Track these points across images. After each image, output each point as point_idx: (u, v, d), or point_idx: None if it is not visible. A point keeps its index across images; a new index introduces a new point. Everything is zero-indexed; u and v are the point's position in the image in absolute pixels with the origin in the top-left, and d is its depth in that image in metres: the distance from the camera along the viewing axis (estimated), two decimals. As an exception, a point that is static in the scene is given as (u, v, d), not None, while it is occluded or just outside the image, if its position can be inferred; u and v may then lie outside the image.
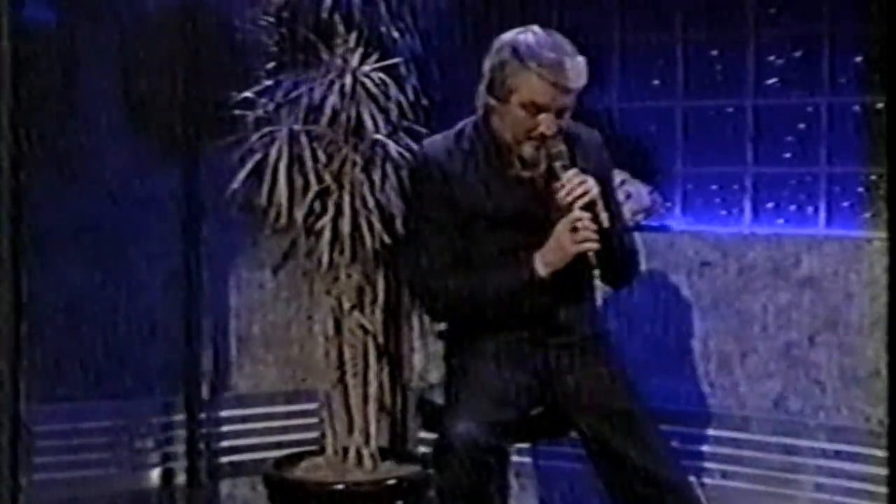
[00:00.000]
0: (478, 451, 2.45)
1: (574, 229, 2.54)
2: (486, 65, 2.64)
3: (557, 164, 2.58)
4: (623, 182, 3.33)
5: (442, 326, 2.92)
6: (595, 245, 2.53)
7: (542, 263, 2.59)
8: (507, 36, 2.62)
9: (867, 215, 3.22)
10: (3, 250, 1.86)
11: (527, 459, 3.46)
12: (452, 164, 2.67)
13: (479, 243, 2.66)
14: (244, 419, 3.67)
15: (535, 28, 2.61)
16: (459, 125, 2.75)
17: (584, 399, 2.65)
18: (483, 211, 2.66)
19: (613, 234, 2.62)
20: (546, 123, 2.57)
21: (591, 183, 2.57)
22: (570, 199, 2.54)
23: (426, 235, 2.69)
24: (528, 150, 2.61)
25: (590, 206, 2.56)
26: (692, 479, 3.22)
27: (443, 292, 2.67)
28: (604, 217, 2.56)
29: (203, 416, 3.58)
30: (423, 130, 3.23)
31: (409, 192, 2.89)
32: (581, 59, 2.57)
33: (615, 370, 2.72)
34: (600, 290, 2.87)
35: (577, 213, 2.54)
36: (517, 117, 2.59)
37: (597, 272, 2.67)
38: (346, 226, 3.25)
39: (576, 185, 2.54)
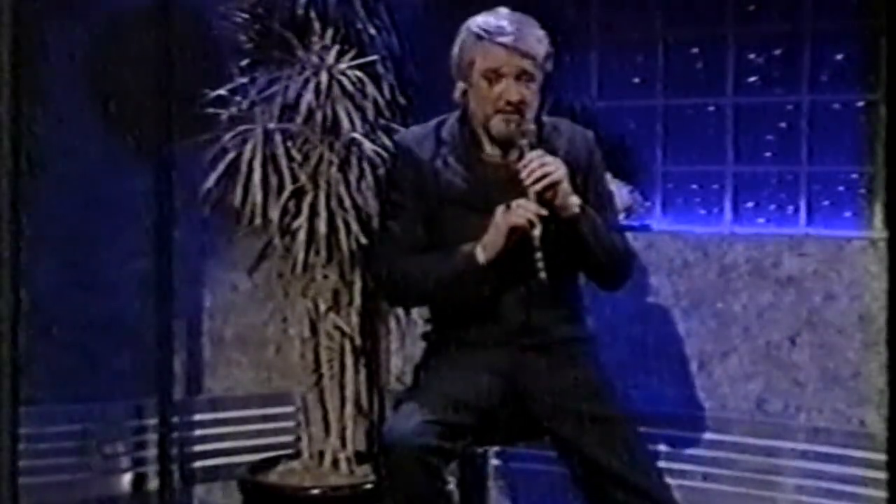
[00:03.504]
0: (416, 451, 2.44)
1: (508, 207, 2.52)
2: (452, 51, 2.69)
3: (524, 142, 2.57)
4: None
5: (427, 328, 2.90)
6: (529, 222, 2.48)
7: (482, 249, 2.57)
8: (469, 20, 2.67)
9: (849, 214, 3.21)
10: (3, 255, 1.84)
11: (507, 462, 3.44)
12: (423, 151, 2.69)
13: (452, 228, 2.65)
14: (218, 423, 3.64)
15: (500, 9, 2.66)
16: (443, 117, 2.75)
17: (556, 404, 2.62)
18: (453, 196, 2.66)
19: (597, 231, 2.59)
20: (508, 89, 2.58)
21: (556, 166, 2.54)
22: (529, 179, 2.51)
23: (389, 220, 2.75)
24: (497, 124, 2.62)
25: (551, 190, 2.52)
26: (670, 482, 3.23)
27: (396, 276, 2.71)
28: (572, 202, 2.54)
29: (176, 419, 3.56)
30: (400, 129, 3.20)
31: (383, 180, 2.95)
32: (538, 31, 2.61)
33: (591, 374, 2.69)
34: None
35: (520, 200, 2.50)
36: (481, 90, 2.61)
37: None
38: (321, 226, 3.22)
39: (536, 165, 2.52)
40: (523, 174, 2.52)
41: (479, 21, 2.63)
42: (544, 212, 2.50)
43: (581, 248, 2.59)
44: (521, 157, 2.56)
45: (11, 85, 1.85)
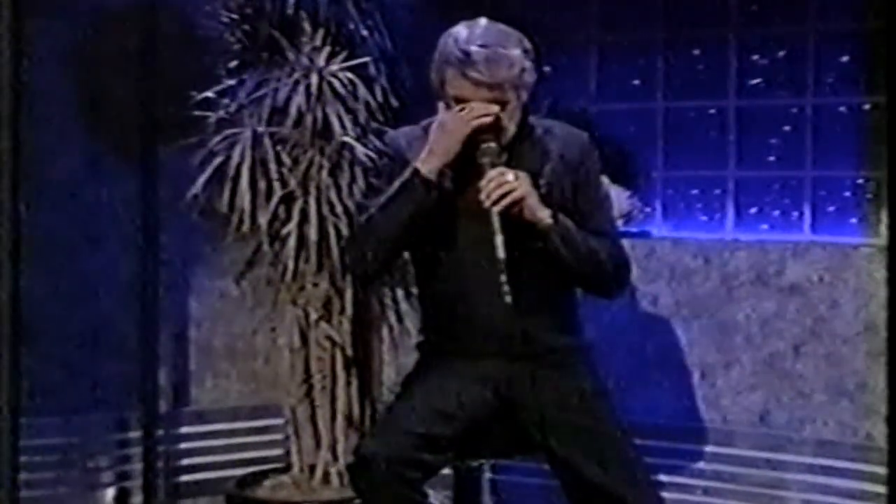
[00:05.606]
0: (391, 463, 2.42)
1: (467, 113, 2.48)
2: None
3: (485, 161, 2.52)
4: (601, 186, 3.31)
5: (420, 337, 2.85)
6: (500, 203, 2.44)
7: (424, 160, 2.51)
8: (449, 30, 2.60)
9: (854, 220, 3.21)
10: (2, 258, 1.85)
11: (503, 476, 3.39)
12: (412, 152, 2.64)
13: (436, 229, 2.58)
14: (205, 436, 3.64)
15: (480, 20, 2.58)
16: (431, 119, 2.72)
17: (547, 415, 2.58)
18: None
19: (572, 241, 2.54)
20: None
21: (518, 183, 2.49)
22: (489, 200, 2.47)
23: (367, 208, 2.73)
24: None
25: (517, 206, 2.48)
26: (670, 497, 3.20)
27: (356, 230, 2.70)
28: (541, 215, 2.51)
29: (161, 432, 3.56)
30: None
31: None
32: (505, 52, 2.51)
33: (584, 385, 2.64)
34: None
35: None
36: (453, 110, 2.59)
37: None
38: (312, 232, 3.21)
39: (495, 185, 2.47)
40: (482, 195, 2.48)
41: (451, 42, 2.53)
42: (495, 108, 2.47)
43: (556, 260, 2.54)
44: (481, 175, 2.51)
45: (12, 91, 1.84)
